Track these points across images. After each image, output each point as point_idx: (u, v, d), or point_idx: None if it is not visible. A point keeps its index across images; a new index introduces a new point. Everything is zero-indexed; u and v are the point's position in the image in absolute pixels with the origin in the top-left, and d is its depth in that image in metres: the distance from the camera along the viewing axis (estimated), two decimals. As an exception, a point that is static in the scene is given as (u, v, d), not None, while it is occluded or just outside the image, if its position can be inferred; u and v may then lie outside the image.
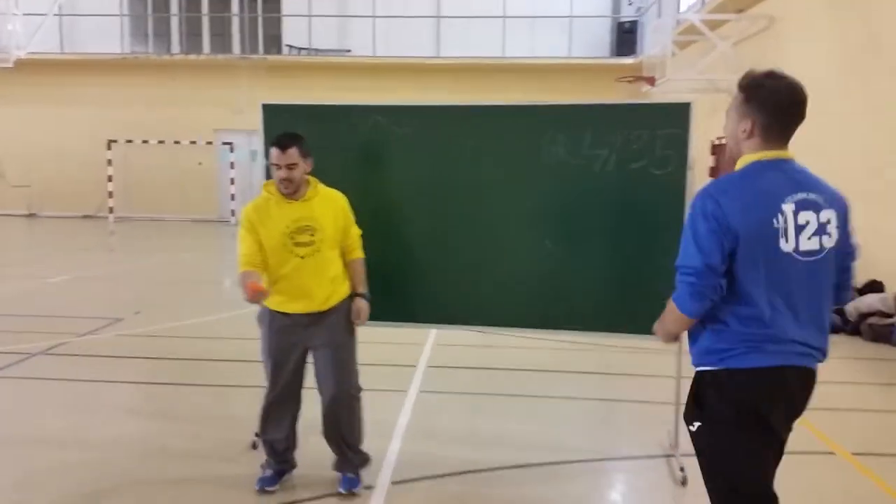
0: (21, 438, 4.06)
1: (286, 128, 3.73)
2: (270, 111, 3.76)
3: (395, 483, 3.55)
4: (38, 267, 10.64)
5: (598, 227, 3.59)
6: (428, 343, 6.14)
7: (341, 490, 3.39)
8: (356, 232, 3.41)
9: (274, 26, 18.83)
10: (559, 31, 17.54)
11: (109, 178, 18.10)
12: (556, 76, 17.24)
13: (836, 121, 8.89)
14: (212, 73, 18.22)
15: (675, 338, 2.29)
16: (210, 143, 18.66)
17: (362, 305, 3.37)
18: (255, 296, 2.92)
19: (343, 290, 3.34)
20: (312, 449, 3.57)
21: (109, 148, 17.98)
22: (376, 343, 5.93)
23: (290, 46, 18.44)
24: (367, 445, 3.57)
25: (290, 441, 3.47)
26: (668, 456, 3.93)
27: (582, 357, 5.80)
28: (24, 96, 18.55)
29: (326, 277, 3.24)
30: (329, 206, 3.24)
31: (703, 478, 2.22)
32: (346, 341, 3.37)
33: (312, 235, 3.16)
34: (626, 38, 17.31)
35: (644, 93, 14.26)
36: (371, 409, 4.65)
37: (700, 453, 2.22)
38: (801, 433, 4.33)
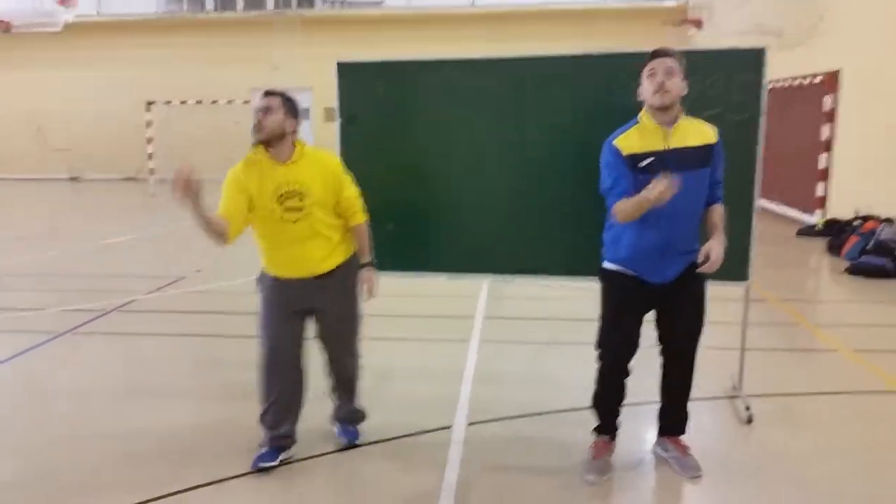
0: (121, 390, 4.25)
1: (361, 85, 3.82)
2: (345, 69, 3.81)
3: (470, 424, 3.73)
4: (90, 229, 10.99)
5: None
6: (482, 296, 6.29)
7: (343, 440, 3.44)
8: (351, 194, 3.20)
9: (306, -20, 18.70)
10: (597, -26, 17.10)
11: (149, 140, 18.41)
12: (596, 21, 16.86)
13: (892, 64, 8.60)
14: (246, 30, 18.23)
15: None
16: (247, 102, 18.70)
17: (371, 276, 3.27)
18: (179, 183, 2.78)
19: (342, 253, 3.23)
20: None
21: (148, 109, 18.23)
22: (435, 296, 6.18)
23: (324, 0, 18.29)
24: (440, 389, 3.70)
25: (295, 414, 3.32)
26: (731, 397, 4.04)
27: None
28: (63, 60, 18.81)
29: (320, 242, 3.13)
30: (317, 169, 3.08)
31: None
32: (350, 307, 3.32)
33: (302, 200, 3.03)
34: (666, -21, 16.80)
35: (691, 36, 13.91)
36: (440, 356, 4.89)
37: None
38: (862, 373, 4.42)
